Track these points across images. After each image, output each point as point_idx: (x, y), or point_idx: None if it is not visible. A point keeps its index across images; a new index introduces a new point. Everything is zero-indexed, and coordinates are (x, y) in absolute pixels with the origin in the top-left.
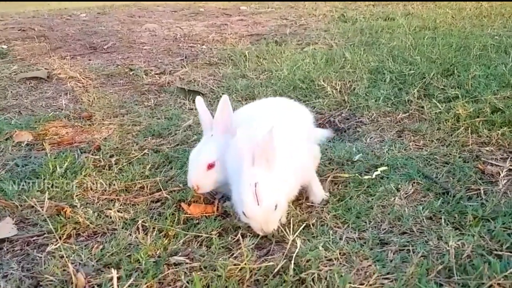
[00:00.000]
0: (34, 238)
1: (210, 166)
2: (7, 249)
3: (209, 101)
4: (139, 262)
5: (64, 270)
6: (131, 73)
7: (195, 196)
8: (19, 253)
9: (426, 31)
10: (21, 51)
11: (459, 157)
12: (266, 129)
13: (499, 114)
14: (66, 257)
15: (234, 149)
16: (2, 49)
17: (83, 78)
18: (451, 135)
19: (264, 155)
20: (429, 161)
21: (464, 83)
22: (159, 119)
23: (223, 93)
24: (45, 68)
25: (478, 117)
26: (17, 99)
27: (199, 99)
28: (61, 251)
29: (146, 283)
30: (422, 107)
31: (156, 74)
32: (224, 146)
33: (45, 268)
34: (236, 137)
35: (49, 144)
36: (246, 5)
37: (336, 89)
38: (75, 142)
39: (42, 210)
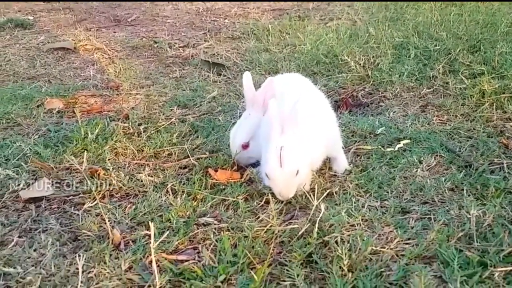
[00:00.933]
0: (70, 197)
1: (245, 146)
2: (44, 207)
3: (233, 74)
4: (170, 222)
5: (100, 226)
6: (155, 45)
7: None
8: (57, 211)
9: (452, 7)
10: (47, 22)
11: (483, 132)
12: (295, 99)
13: None
14: (103, 214)
15: (267, 118)
16: (28, 20)
17: (109, 50)
18: (476, 110)
19: (292, 124)
20: (453, 136)
21: (491, 60)
22: (184, 90)
23: (246, 67)
24: (72, 39)
25: (503, 93)
26: (45, 69)
27: (247, 75)
28: (97, 209)
29: (177, 240)
30: (447, 82)
31: (180, 47)
32: (257, 124)
33: (82, 224)
34: (269, 107)
35: (80, 112)
36: None
37: (360, 64)
38: (104, 111)
39: (80, 169)
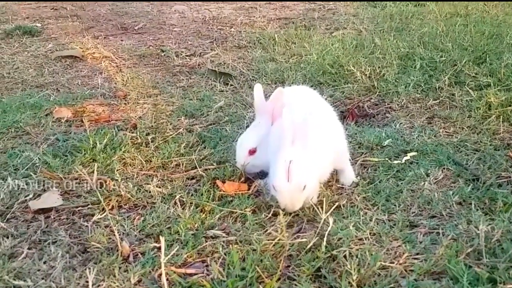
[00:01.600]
0: (79, 208)
1: (252, 152)
2: (54, 218)
3: (240, 83)
4: (179, 234)
5: (109, 238)
6: (162, 54)
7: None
8: (66, 222)
9: (457, 18)
10: (55, 30)
11: (490, 145)
12: (307, 112)
13: None
14: (112, 226)
15: (278, 128)
16: (36, 28)
17: (116, 58)
18: (482, 122)
19: (303, 136)
20: (459, 148)
21: (497, 72)
22: (191, 100)
23: (253, 76)
24: (79, 47)
25: (510, 105)
26: (53, 77)
27: (258, 87)
28: (106, 220)
29: (186, 253)
30: (453, 94)
31: (187, 55)
32: (265, 132)
33: (91, 236)
34: (281, 117)
35: (88, 121)
36: None
37: (366, 74)
38: (111, 120)
39: (90, 181)
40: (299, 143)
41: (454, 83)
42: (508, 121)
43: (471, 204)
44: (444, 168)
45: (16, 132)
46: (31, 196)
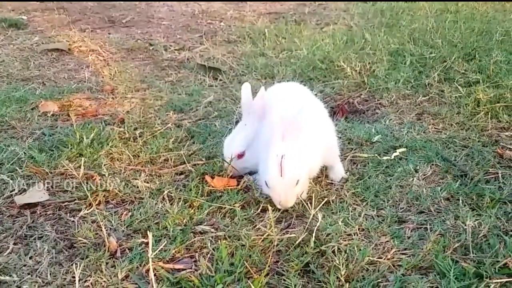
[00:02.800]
0: (66, 203)
1: (240, 156)
2: (40, 213)
3: (229, 78)
4: (167, 229)
5: (96, 233)
6: (150, 48)
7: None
8: (52, 217)
9: (447, 14)
10: (41, 23)
11: (478, 141)
12: (297, 108)
13: None
14: (99, 221)
15: (268, 124)
16: (22, 20)
17: (104, 52)
18: (471, 119)
19: (294, 132)
20: (448, 144)
21: (486, 68)
22: (180, 94)
23: (242, 71)
24: (66, 40)
25: (498, 102)
26: (39, 70)
27: (246, 86)
28: (93, 216)
29: (174, 248)
30: (442, 90)
31: (176, 50)
32: (255, 134)
33: (78, 231)
34: (272, 113)
35: (74, 115)
36: None
37: (356, 70)
38: (99, 114)
39: (76, 176)
40: (290, 138)
41: (443, 79)
42: (496, 117)
43: (458, 200)
44: (432, 164)
45: (1, 126)
46: (16, 191)
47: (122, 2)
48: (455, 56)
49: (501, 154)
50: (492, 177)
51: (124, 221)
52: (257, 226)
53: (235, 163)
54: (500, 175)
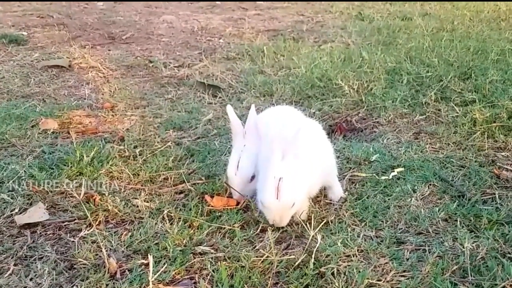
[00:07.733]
0: (66, 223)
1: (252, 178)
2: (40, 233)
3: (228, 96)
4: (167, 250)
5: (96, 254)
6: (150, 65)
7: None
8: (52, 237)
9: (443, 32)
10: (41, 39)
11: (475, 161)
12: (296, 128)
13: None
14: (99, 242)
15: (268, 142)
16: (22, 36)
17: (104, 68)
18: (468, 139)
19: (293, 152)
20: (445, 164)
21: (481, 88)
22: (180, 112)
23: (241, 89)
24: (66, 57)
25: (494, 122)
26: (40, 87)
27: (229, 108)
28: (93, 236)
29: (174, 270)
30: (439, 110)
31: (175, 66)
32: (257, 154)
33: (78, 252)
34: (271, 132)
35: (74, 133)
36: None
37: (354, 88)
38: (99, 132)
39: (77, 196)
40: (289, 159)
41: (440, 98)
42: (492, 137)
43: (456, 221)
44: (430, 184)
45: (1, 144)
46: (17, 210)
47: (122, 18)
48: (451, 75)
49: (498, 174)
50: (489, 198)
51: (124, 241)
52: (257, 247)
53: (246, 188)
54: (497, 195)
